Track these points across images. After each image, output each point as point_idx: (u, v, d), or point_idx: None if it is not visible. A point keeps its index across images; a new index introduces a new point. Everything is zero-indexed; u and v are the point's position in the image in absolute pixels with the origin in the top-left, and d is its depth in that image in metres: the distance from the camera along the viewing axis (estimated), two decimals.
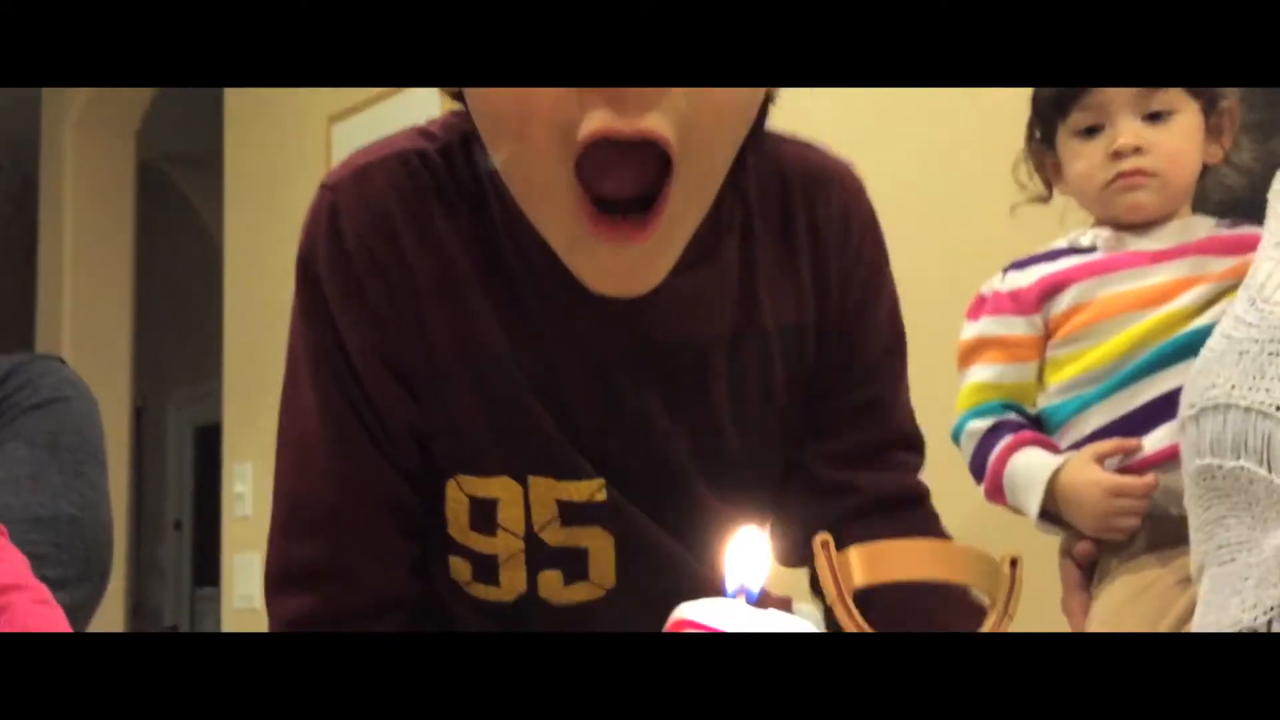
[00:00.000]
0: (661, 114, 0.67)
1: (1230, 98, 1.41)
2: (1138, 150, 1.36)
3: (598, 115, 0.66)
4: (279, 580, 0.80)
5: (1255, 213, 1.35)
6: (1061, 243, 1.45)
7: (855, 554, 0.56)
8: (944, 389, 1.41)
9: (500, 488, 0.79)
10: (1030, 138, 1.48)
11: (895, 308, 0.89)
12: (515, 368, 0.77)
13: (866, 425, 0.87)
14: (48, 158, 3.88)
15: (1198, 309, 1.33)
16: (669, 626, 0.54)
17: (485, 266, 0.77)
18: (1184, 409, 1.10)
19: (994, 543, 0.59)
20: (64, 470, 1.14)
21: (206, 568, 5.20)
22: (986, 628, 0.56)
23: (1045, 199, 1.50)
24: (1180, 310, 1.32)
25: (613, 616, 0.83)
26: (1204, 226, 1.42)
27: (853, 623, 0.55)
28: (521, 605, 0.83)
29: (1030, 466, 1.36)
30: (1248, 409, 1.00)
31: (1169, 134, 1.37)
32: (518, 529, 0.80)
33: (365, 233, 0.75)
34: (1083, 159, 1.40)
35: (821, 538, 0.55)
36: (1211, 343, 1.11)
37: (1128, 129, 1.36)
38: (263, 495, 3.12)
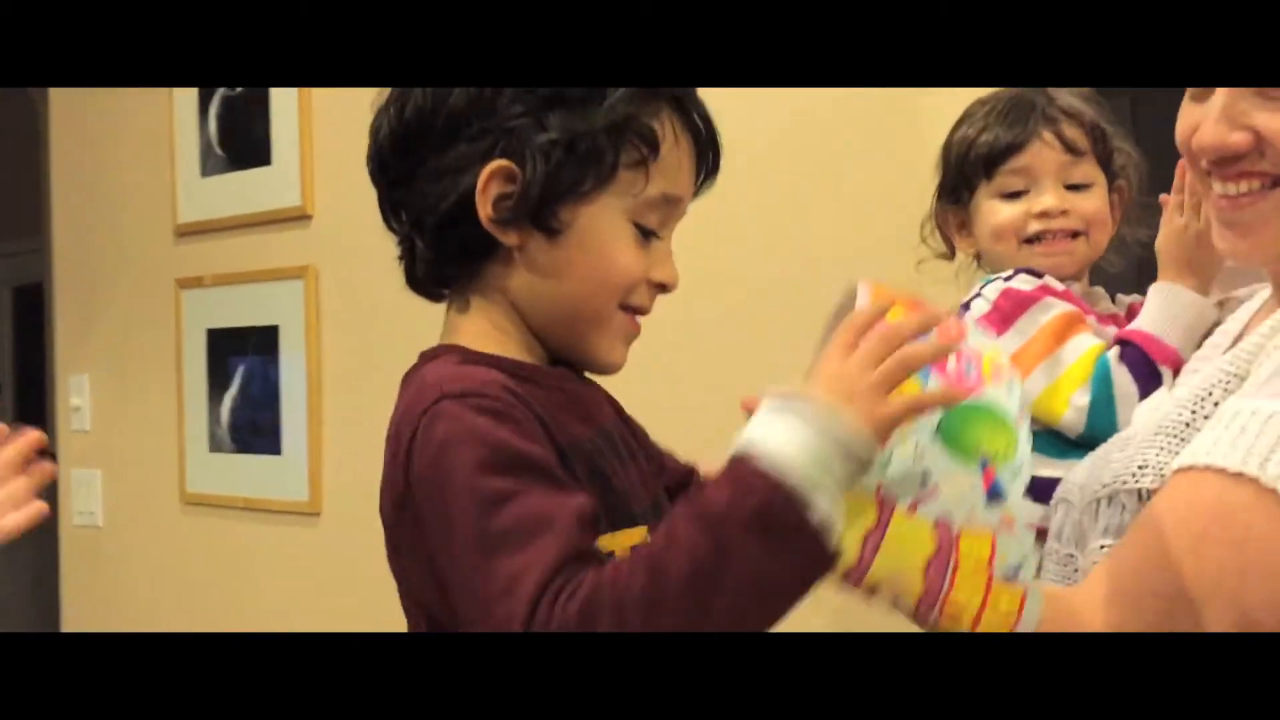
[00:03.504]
0: None
1: (1126, 177, 1.53)
2: (1064, 213, 1.47)
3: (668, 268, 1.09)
4: (563, 577, 0.91)
5: (1122, 288, 1.53)
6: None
7: None
8: None
9: (608, 541, 1.02)
10: (938, 197, 1.56)
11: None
12: (593, 452, 1.07)
13: None
14: None
15: None
16: None
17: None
18: None
19: None
20: None
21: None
22: None
23: (949, 257, 1.60)
24: None
25: None
26: (1099, 298, 1.53)
27: None
28: None
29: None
30: None
31: (1089, 200, 1.49)
32: None
33: (511, 400, 1.01)
34: (1003, 215, 1.49)
35: None
36: None
37: (1053, 192, 1.47)
38: (101, 409, 2.93)
